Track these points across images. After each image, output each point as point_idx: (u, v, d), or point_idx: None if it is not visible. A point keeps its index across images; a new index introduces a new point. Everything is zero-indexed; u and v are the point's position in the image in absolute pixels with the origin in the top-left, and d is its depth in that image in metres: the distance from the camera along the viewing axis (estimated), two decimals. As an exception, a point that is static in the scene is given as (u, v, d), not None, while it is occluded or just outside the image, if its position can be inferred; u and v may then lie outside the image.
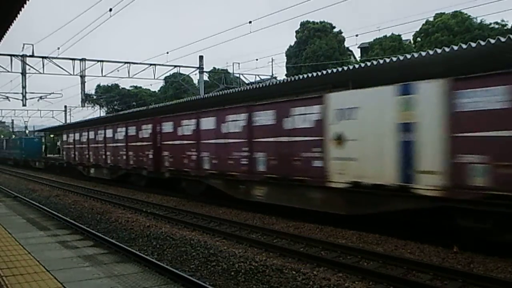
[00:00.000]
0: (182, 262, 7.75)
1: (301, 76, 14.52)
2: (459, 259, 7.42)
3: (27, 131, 64.66)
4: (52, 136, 49.58)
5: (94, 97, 56.56)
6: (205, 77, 32.67)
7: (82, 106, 38.67)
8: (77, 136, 27.46)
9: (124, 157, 20.30)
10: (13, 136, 61.95)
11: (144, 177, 19.01)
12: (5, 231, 9.37)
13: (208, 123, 14.03)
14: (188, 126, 15.19)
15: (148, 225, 11.04)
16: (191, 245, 8.71)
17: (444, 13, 32.21)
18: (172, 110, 20.09)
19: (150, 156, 17.84)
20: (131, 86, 58.41)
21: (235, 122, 12.73)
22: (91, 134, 24.79)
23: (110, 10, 20.98)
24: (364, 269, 7.00)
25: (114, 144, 21.48)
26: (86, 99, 43.57)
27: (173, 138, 16.07)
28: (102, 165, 23.26)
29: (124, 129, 20.51)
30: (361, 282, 6.52)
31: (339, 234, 9.52)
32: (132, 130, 19.72)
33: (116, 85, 56.11)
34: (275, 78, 33.96)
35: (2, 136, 70.14)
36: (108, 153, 22.31)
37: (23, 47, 25.34)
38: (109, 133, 22.26)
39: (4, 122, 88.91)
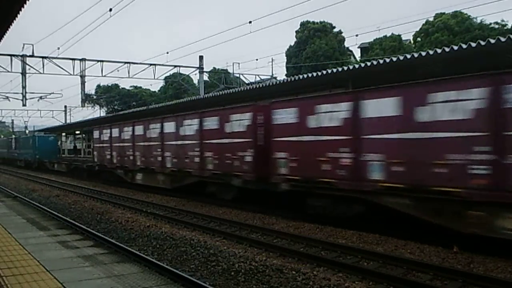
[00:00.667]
0: (182, 262, 7.74)
1: (301, 76, 14.54)
2: (459, 259, 7.43)
3: (27, 131, 64.61)
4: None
5: (94, 97, 56.68)
6: (205, 77, 32.71)
7: (82, 106, 38.66)
8: (115, 132, 22.13)
9: (197, 159, 15.25)
10: (13, 136, 61.58)
11: (235, 188, 13.82)
12: (5, 231, 9.37)
13: (378, 107, 9.19)
14: (330, 114, 10.30)
15: (148, 225, 11.05)
16: (191, 245, 8.71)
17: (444, 13, 32.31)
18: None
19: (248, 159, 12.99)
20: (131, 86, 58.71)
21: (452, 104, 7.83)
22: (138, 129, 19.69)
23: (110, 10, 21.03)
24: (364, 269, 7.01)
25: (179, 142, 16.51)
26: (86, 99, 43.58)
27: (296, 132, 11.24)
28: (156, 170, 18.05)
29: (196, 121, 15.49)
30: (361, 282, 6.53)
31: (339, 234, 9.53)
32: (211, 123, 14.75)
33: (116, 85, 56.29)
34: (275, 78, 34.02)
35: (2, 136, 70.01)
36: (167, 153, 17.28)
37: (23, 47, 25.41)
38: (168, 127, 17.29)
39: (4, 122, 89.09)
